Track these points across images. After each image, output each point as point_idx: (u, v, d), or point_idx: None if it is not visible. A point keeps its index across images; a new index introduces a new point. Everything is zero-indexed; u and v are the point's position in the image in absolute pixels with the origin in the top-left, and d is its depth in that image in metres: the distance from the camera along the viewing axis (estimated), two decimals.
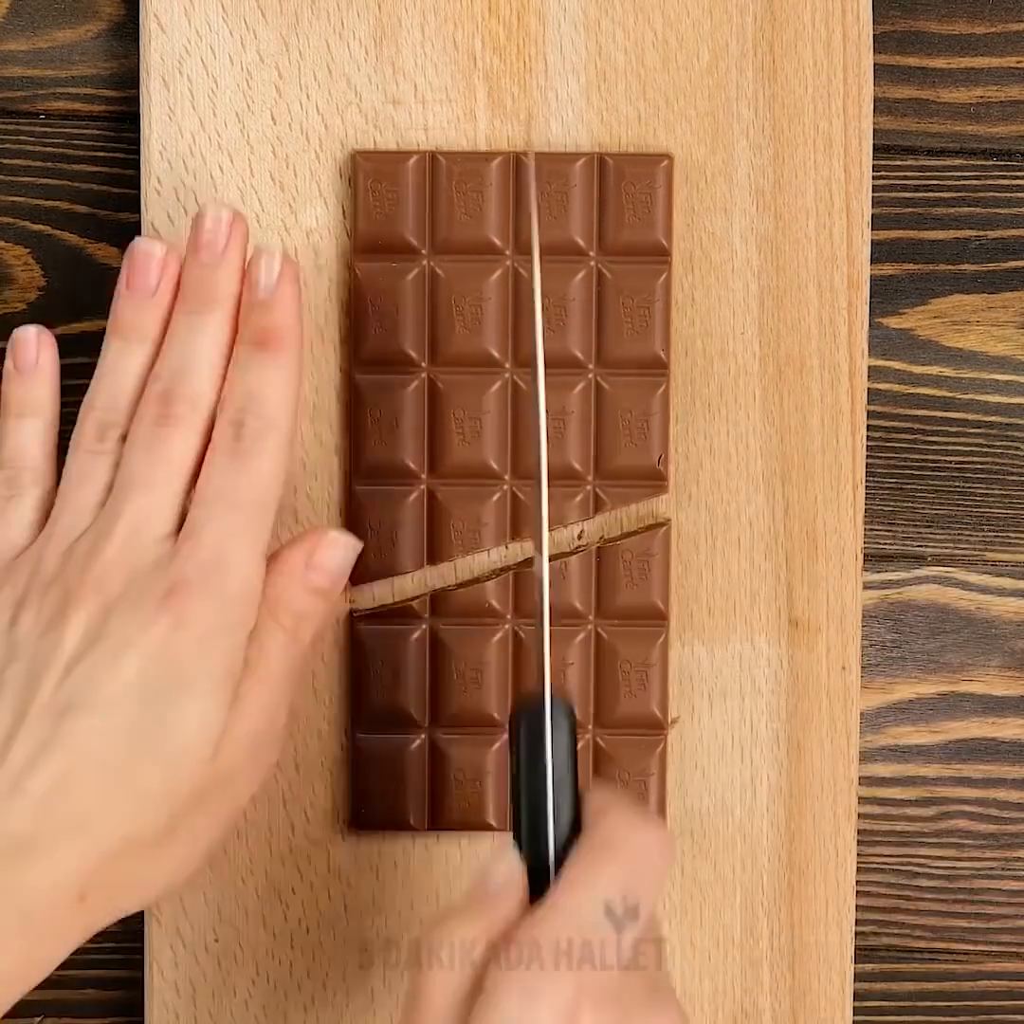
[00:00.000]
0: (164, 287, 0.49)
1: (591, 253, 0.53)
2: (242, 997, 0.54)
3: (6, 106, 0.56)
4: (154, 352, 0.49)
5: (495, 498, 0.53)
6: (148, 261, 0.49)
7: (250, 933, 0.54)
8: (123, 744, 0.44)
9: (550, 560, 0.54)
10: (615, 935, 0.40)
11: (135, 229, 0.53)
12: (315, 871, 0.54)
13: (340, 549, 0.49)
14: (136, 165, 0.54)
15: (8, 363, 0.51)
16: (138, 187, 0.53)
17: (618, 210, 0.53)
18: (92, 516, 0.48)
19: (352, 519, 0.53)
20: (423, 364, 0.53)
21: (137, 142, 0.53)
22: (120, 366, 0.49)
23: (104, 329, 0.55)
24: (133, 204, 0.54)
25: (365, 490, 0.53)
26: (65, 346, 0.56)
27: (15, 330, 0.51)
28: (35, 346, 0.51)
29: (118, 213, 0.56)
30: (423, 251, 0.53)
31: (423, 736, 0.54)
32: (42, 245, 0.56)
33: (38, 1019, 0.58)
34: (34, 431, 0.50)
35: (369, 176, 0.52)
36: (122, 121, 0.56)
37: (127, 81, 0.55)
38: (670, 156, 0.53)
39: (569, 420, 0.53)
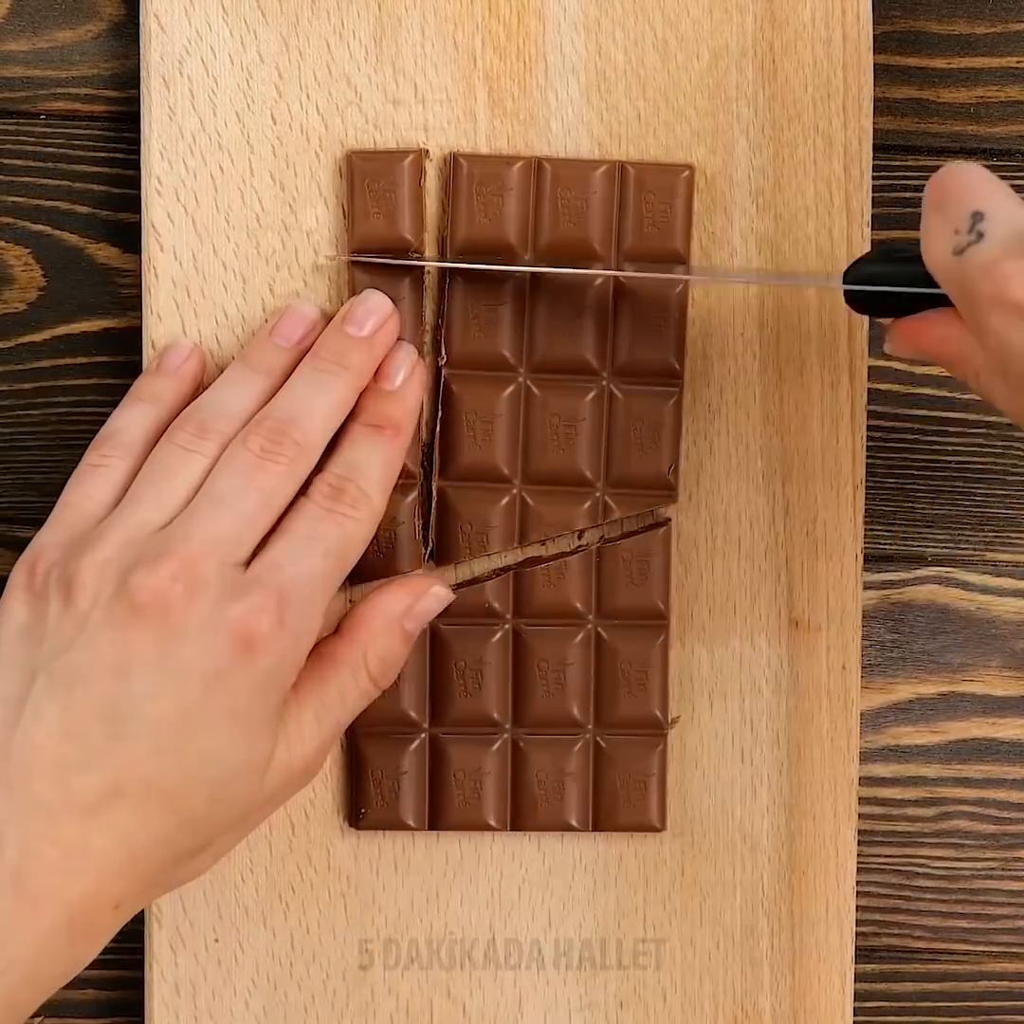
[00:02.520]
0: (304, 343, 0.51)
1: (608, 260, 0.53)
2: (242, 997, 0.54)
3: (6, 106, 0.56)
4: (271, 390, 0.50)
5: (504, 502, 0.53)
6: (301, 322, 0.51)
7: (250, 933, 0.54)
8: (173, 769, 0.45)
9: (550, 560, 0.54)
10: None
11: (135, 229, 0.53)
12: (315, 871, 0.54)
13: (441, 603, 0.51)
14: (136, 165, 0.54)
15: (155, 360, 0.52)
16: (138, 187, 0.53)
17: (638, 219, 0.53)
18: (169, 513, 0.47)
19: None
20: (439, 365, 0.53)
21: (137, 142, 0.53)
22: (237, 387, 0.50)
23: (104, 329, 0.55)
24: (133, 204, 0.54)
25: None
26: (65, 346, 0.56)
27: (173, 340, 0.52)
28: (184, 356, 0.51)
29: (118, 213, 0.56)
30: (428, 254, 0.53)
31: (423, 736, 0.54)
32: (42, 245, 0.56)
33: (38, 1019, 0.58)
34: (144, 414, 0.50)
35: (365, 176, 0.52)
36: (122, 121, 0.56)
37: (127, 81, 0.55)
38: (691, 167, 0.53)
39: (581, 427, 0.53)
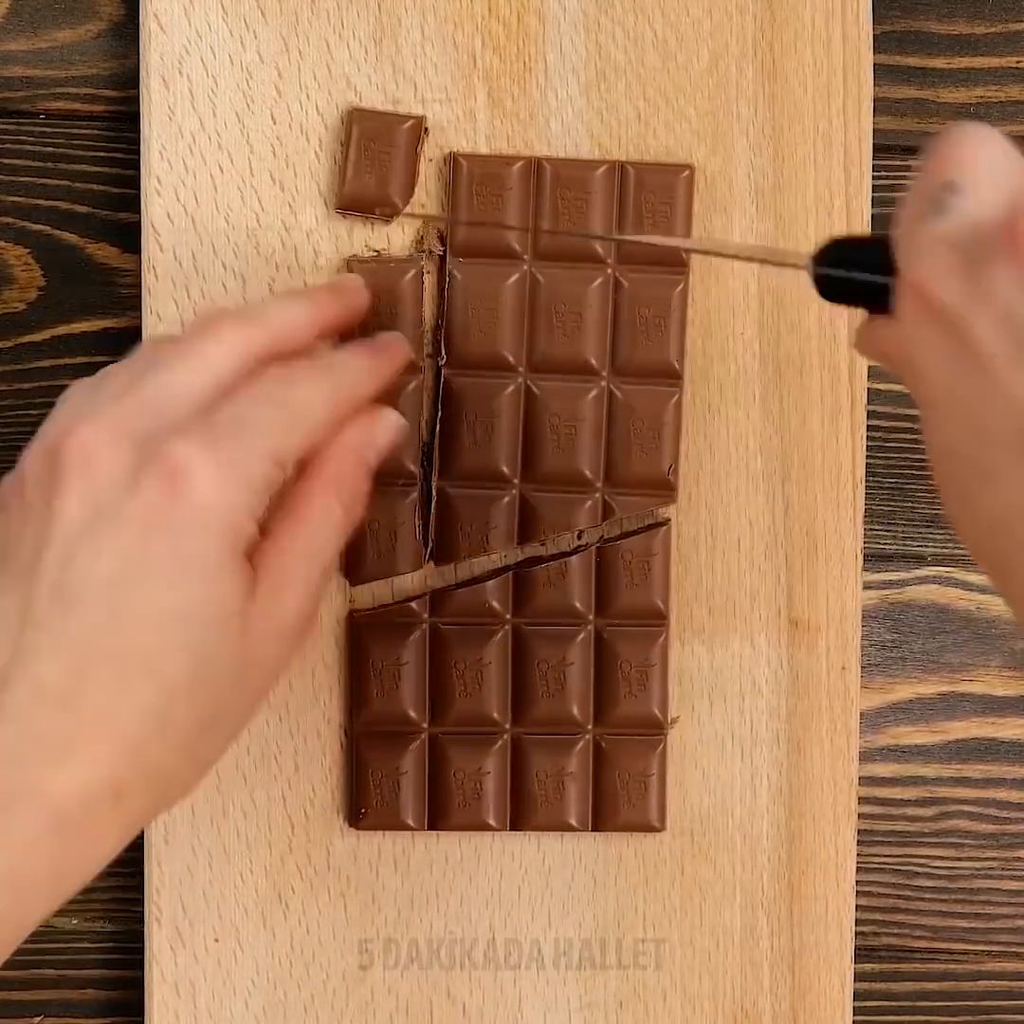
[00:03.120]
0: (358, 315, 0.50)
1: (608, 261, 0.53)
2: (242, 997, 0.54)
3: (6, 106, 0.56)
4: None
5: (505, 502, 0.53)
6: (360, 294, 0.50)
7: (250, 933, 0.54)
8: (136, 631, 0.42)
9: (551, 560, 0.54)
10: None
11: (135, 229, 0.53)
12: (315, 870, 0.54)
13: (397, 428, 0.49)
14: (136, 165, 0.54)
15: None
16: (138, 187, 0.53)
17: (637, 219, 0.53)
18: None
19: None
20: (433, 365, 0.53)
21: (137, 142, 0.53)
22: (295, 314, 0.48)
23: (104, 329, 0.55)
24: (133, 204, 0.54)
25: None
26: (65, 346, 0.56)
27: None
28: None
29: (118, 213, 0.56)
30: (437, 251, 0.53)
31: (423, 736, 0.54)
32: (42, 245, 0.56)
33: (38, 1019, 0.58)
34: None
35: (363, 135, 0.52)
36: (122, 121, 0.56)
37: (127, 81, 0.55)
38: (691, 167, 0.53)
39: (581, 427, 0.53)
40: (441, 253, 0.53)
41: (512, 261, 0.53)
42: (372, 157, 0.52)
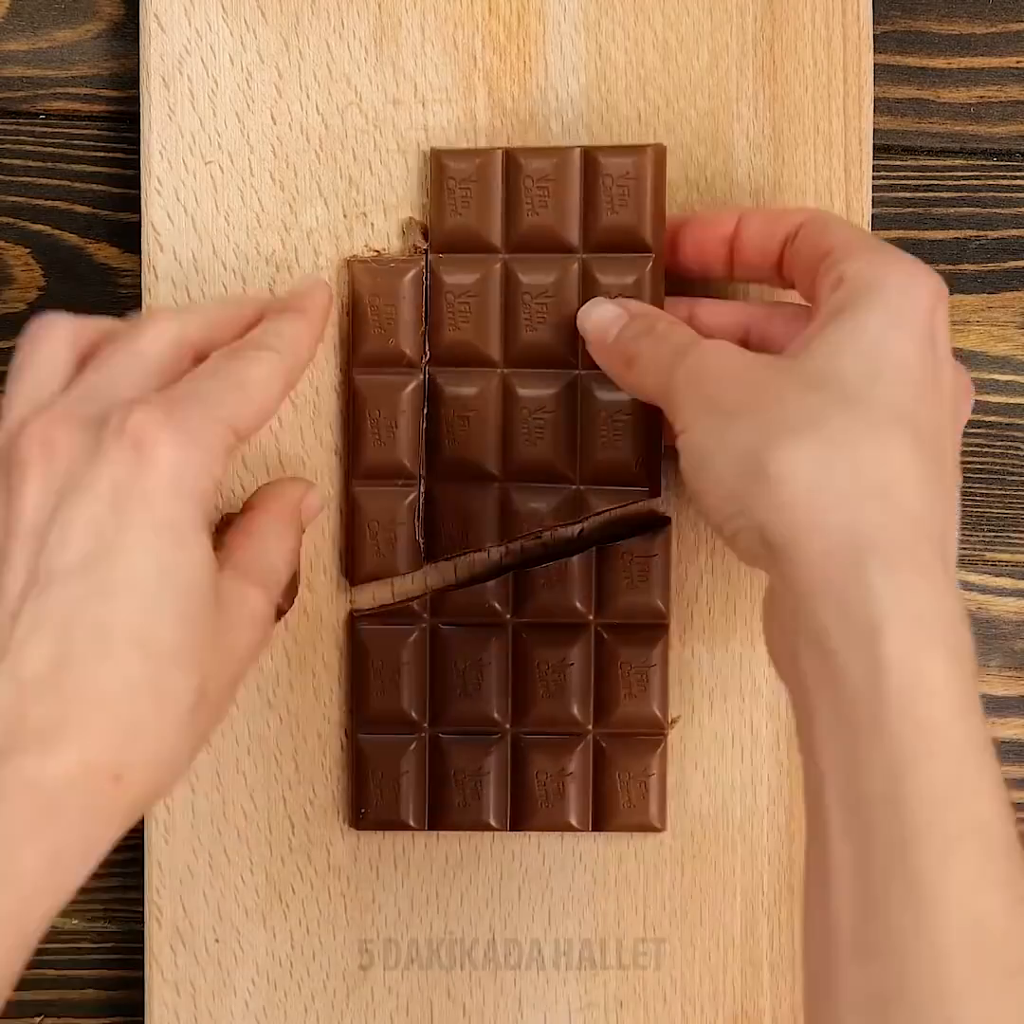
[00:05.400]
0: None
1: (580, 248, 0.52)
2: (242, 997, 0.54)
3: (6, 106, 0.56)
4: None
5: (489, 498, 0.53)
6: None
7: (250, 933, 0.54)
8: (120, 599, 0.41)
9: (550, 559, 0.54)
10: None
11: (135, 229, 0.53)
12: (315, 870, 0.55)
13: (315, 510, 0.52)
14: (136, 165, 0.54)
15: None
16: (138, 187, 0.53)
17: (609, 202, 0.52)
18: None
19: (352, 519, 0.53)
20: (422, 362, 0.53)
21: (137, 142, 0.53)
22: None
23: None
24: (133, 204, 0.54)
25: (365, 491, 0.53)
26: None
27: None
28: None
29: (118, 213, 0.56)
30: (423, 249, 0.53)
31: (423, 736, 0.54)
32: (42, 245, 0.56)
33: (38, 1019, 0.58)
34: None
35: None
36: (122, 121, 0.56)
37: (127, 81, 0.55)
38: (659, 145, 0.52)
39: (550, 419, 0.52)
40: (425, 249, 0.53)
41: (491, 255, 0.52)
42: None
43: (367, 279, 0.52)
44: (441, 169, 0.52)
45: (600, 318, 0.50)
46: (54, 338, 0.46)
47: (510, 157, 0.52)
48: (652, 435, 0.52)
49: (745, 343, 0.51)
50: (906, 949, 0.38)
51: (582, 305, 0.52)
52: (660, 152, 0.52)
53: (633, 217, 0.52)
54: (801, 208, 0.52)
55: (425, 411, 0.53)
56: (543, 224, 0.52)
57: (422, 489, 0.53)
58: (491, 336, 0.53)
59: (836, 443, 0.41)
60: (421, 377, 0.53)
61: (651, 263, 0.52)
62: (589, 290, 0.52)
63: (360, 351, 0.53)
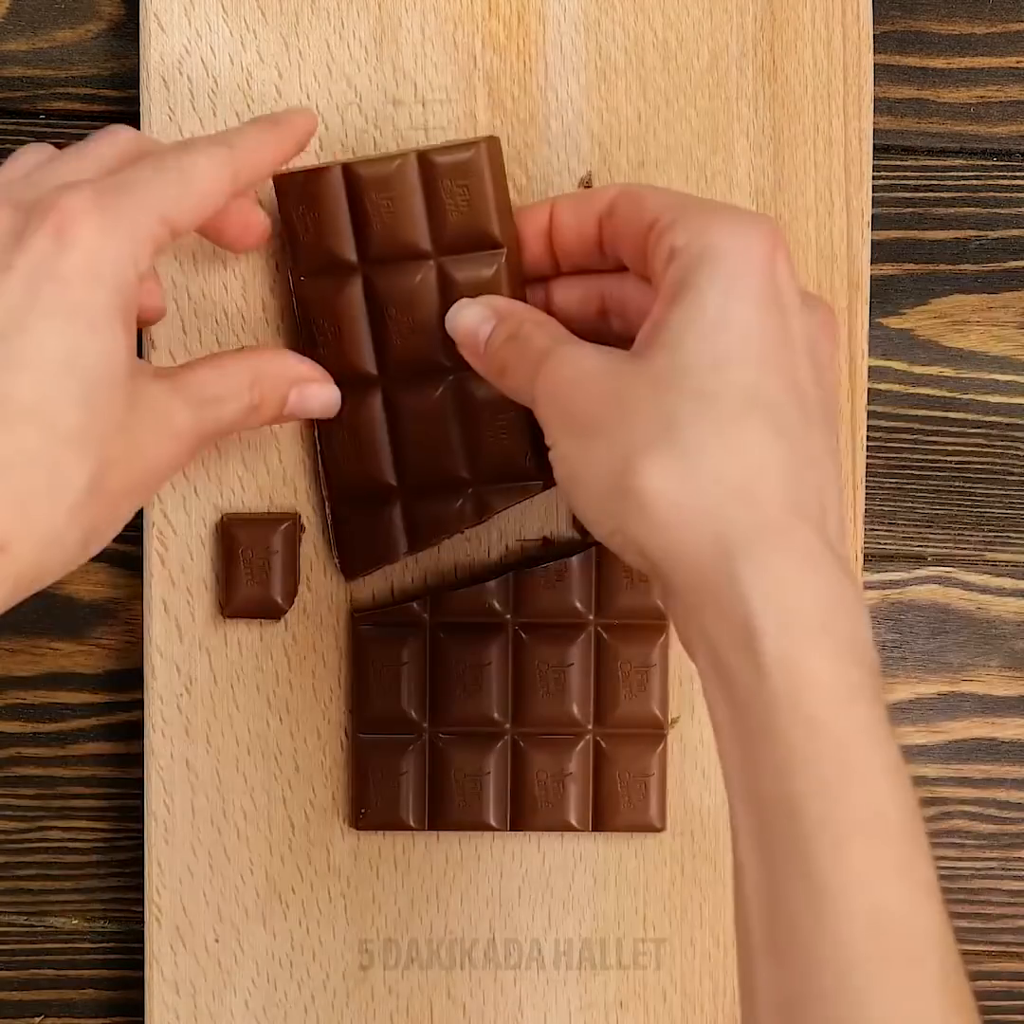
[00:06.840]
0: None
1: (433, 254, 0.51)
2: (242, 997, 0.54)
3: (6, 106, 0.56)
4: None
5: (392, 510, 0.53)
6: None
7: (250, 933, 0.54)
8: (25, 375, 0.41)
9: (551, 559, 0.54)
10: None
11: None
12: (315, 871, 0.55)
13: (325, 403, 0.51)
14: None
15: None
16: None
17: (453, 203, 0.50)
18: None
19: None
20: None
21: None
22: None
23: None
24: None
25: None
26: None
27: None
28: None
29: None
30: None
31: (423, 736, 0.54)
32: None
33: (38, 1019, 0.58)
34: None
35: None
36: (122, 121, 0.55)
37: (127, 81, 0.55)
38: (491, 137, 0.50)
39: (432, 426, 0.52)
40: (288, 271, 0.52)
41: (350, 271, 0.51)
42: (250, 565, 0.53)
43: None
44: (284, 195, 0.51)
45: (467, 322, 0.49)
46: (100, 139, 0.47)
47: (349, 170, 0.51)
48: (537, 427, 0.48)
49: (603, 313, 0.50)
50: (810, 948, 0.38)
51: (446, 308, 0.51)
52: (494, 144, 0.50)
53: (478, 213, 0.50)
54: (611, 184, 0.50)
55: (316, 433, 0.53)
56: (391, 233, 0.51)
57: (328, 511, 0.53)
58: (363, 351, 0.52)
59: (691, 453, 0.41)
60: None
61: (504, 256, 0.51)
62: (448, 292, 0.51)
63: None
